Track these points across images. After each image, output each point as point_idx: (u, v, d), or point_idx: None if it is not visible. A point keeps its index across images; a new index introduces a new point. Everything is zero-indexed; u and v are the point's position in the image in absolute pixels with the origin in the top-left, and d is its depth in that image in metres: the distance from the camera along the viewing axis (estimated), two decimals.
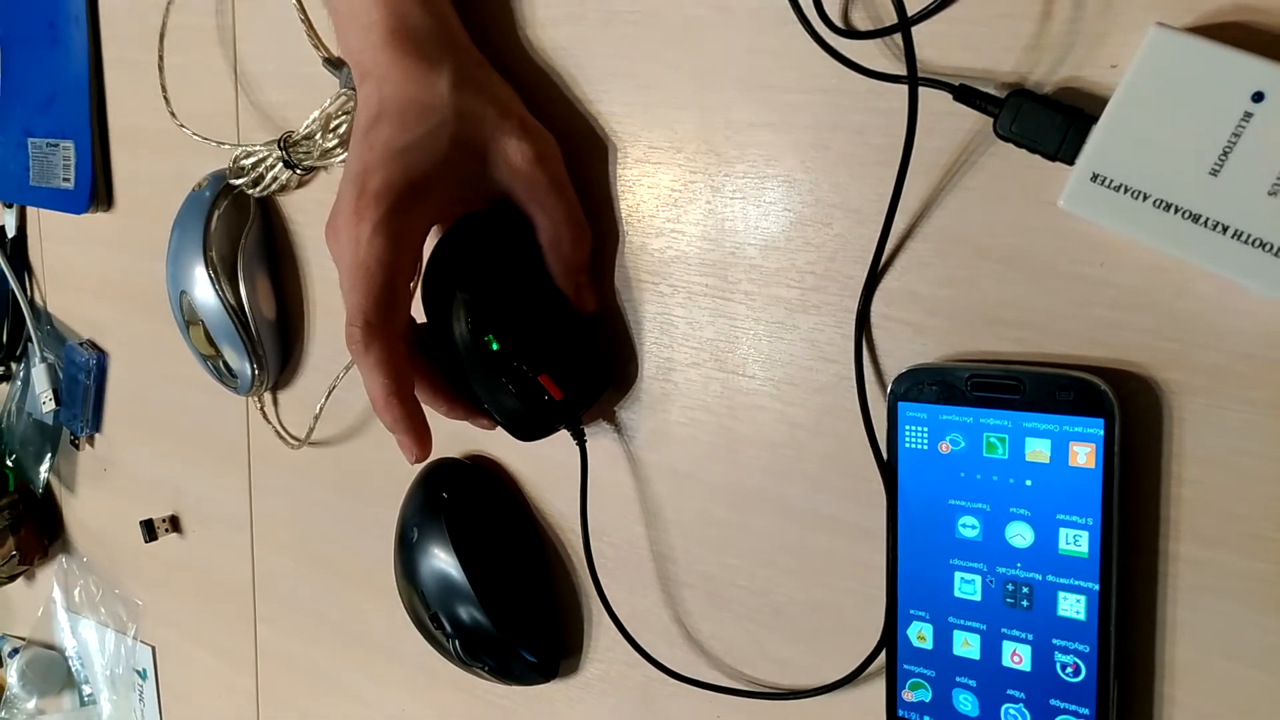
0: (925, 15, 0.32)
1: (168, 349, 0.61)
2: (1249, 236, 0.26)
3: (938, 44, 0.32)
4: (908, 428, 0.34)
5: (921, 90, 0.32)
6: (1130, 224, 0.28)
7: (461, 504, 0.45)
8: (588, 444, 0.41)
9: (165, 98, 0.55)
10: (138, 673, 0.70)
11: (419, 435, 0.39)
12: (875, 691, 0.36)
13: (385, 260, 0.36)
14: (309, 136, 0.49)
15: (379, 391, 0.37)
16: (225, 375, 0.54)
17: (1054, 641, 0.32)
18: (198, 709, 0.67)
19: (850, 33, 0.33)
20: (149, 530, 0.63)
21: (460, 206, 0.39)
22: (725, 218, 0.37)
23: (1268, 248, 0.26)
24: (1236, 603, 0.30)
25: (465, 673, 0.48)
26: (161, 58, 0.55)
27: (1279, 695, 0.29)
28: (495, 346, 0.39)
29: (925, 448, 0.33)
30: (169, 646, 0.68)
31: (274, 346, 0.53)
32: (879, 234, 0.33)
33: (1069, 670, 0.32)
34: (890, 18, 0.32)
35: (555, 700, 0.46)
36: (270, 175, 0.51)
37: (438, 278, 0.41)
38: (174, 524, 0.64)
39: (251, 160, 0.51)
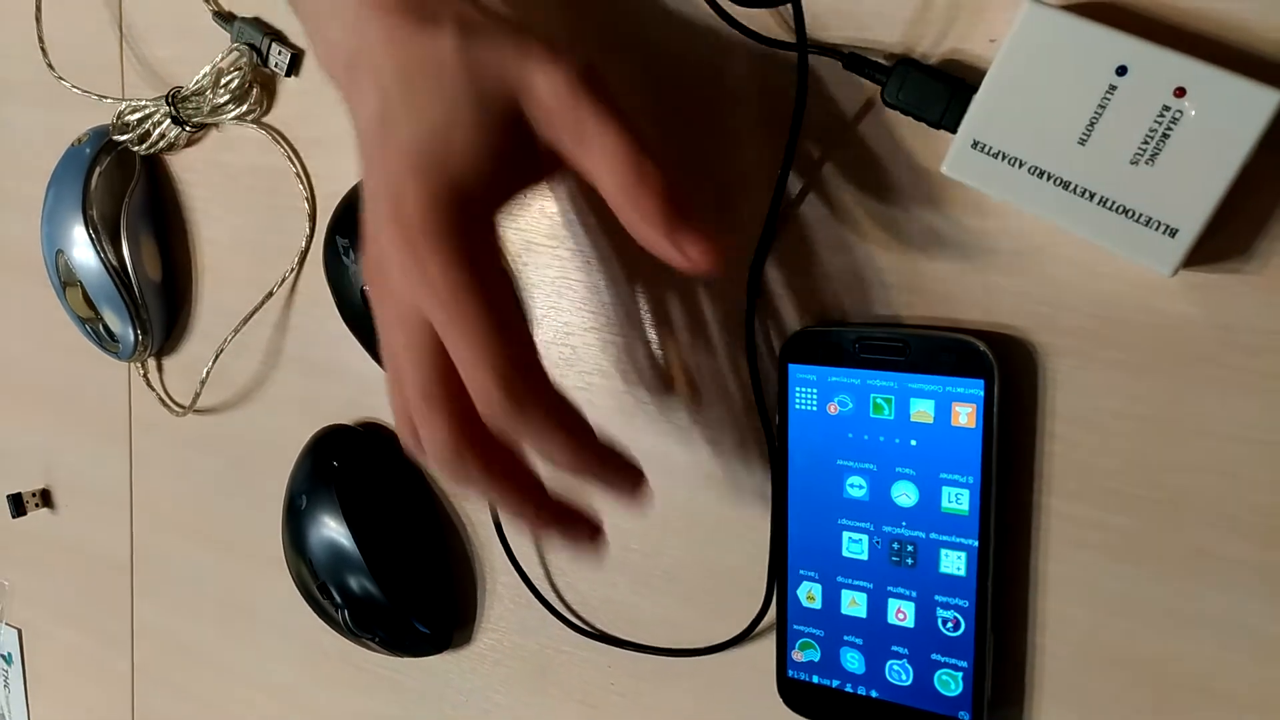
0: None
1: (39, 312, 0.58)
2: (1113, 203, 0.28)
3: (828, 14, 0.33)
4: (797, 389, 0.35)
5: (812, 59, 0.32)
6: (1008, 190, 0.29)
7: (352, 472, 0.45)
8: None
9: (42, 48, 0.53)
10: (2, 657, 0.67)
11: (634, 471, 0.31)
12: (767, 651, 0.37)
13: (478, 291, 0.27)
14: (199, 92, 0.47)
15: (570, 449, 0.29)
16: (106, 339, 0.52)
17: (936, 598, 0.33)
18: (69, 694, 0.64)
19: (745, 1, 0.34)
20: (16, 505, 0.59)
21: (521, 180, 0.31)
22: None
23: (1130, 214, 0.28)
24: (1101, 555, 0.31)
25: (355, 646, 0.47)
26: (39, 7, 0.53)
27: (1137, 642, 0.31)
28: None
29: (815, 409, 0.34)
30: (37, 628, 0.65)
31: (159, 310, 0.51)
32: (770, 200, 0.34)
33: (949, 625, 0.33)
34: None
35: (448, 671, 0.46)
36: (158, 132, 0.49)
37: (333, 252, 0.41)
38: (44, 498, 0.61)
39: (137, 116, 0.49)
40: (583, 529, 0.31)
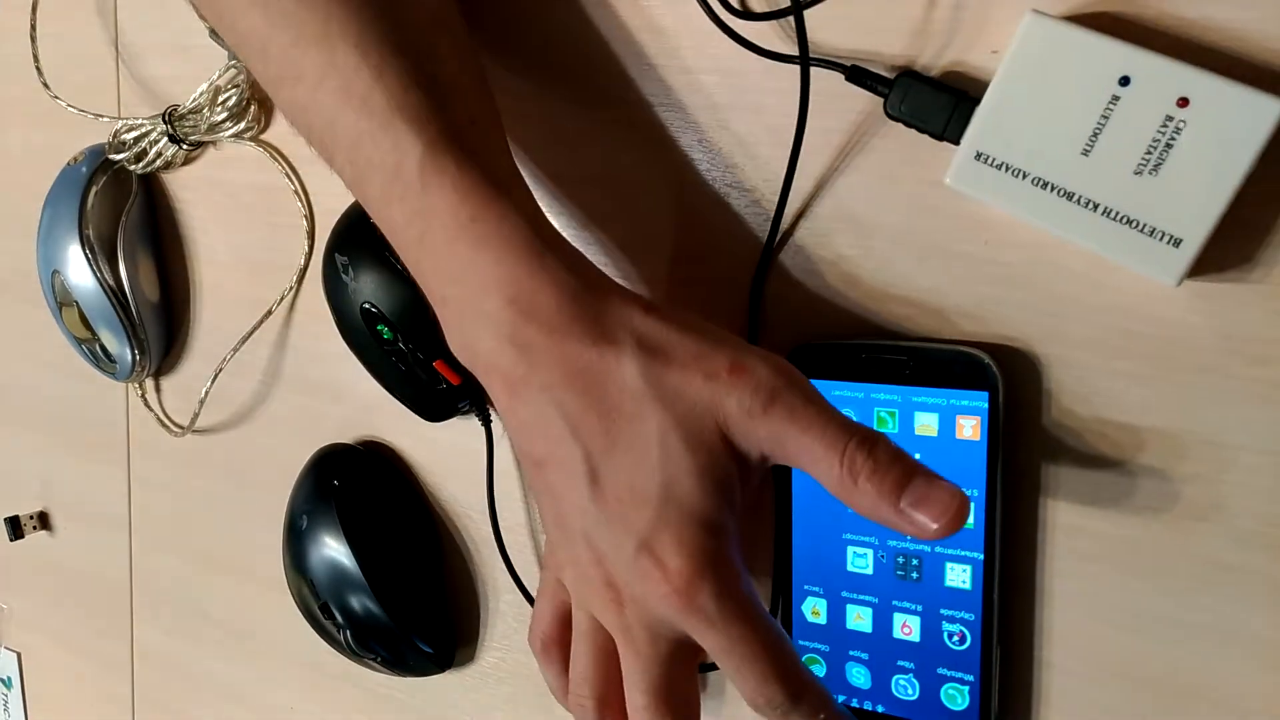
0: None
1: (36, 333, 0.57)
2: (1117, 213, 0.28)
3: (830, 27, 0.33)
4: None
5: (814, 71, 0.32)
6: (1011, 201, 0.29)
7: (353, 491, 0.44)
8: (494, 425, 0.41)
9: (38, 67, 0.52)
10: (2, 682, 0.66)
11: None
12: None
13: (748, 617, 0.28)
14: (196, 110, 0.47)
15: None
16: (103, 360, 0.52)
17: (941, 611, 0.33)
18: (69, 717, 0.63)
19: (746, 14, 0.34)
20: (14, 528, 0.59)
21: (746, 502, 0.30)
22: None
23: (1134, 224, 0.28)
24: (1107, 567, 0.31)
25: (357, 666, 0.47)
26: (34, 25, 0.53)
27: (1144, 654, 0.31)
28: (387, 335, 0.39)
29: None
30: (37, 653, 0.64)
31: (156, 330, 0.51)
32: (773, 213, 0.34)
33: (955, 639, 0.33)
34: (784, 0, 0.33)
35: (450, 690, 0.46)
36: (154, 150, 0.49)
37: (331, 270, 0.41)
38: (42, 520, 0.60)
39: (134, 135, 0.49)
40: None
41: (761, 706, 0.29)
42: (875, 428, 0.33)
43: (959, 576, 0.33)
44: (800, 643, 0.36)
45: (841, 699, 0.35)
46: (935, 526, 0.27)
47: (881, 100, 0.31)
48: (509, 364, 0.28)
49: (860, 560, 0.34)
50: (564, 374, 0.28)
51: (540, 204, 0.31)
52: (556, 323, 0.28)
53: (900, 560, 0.34)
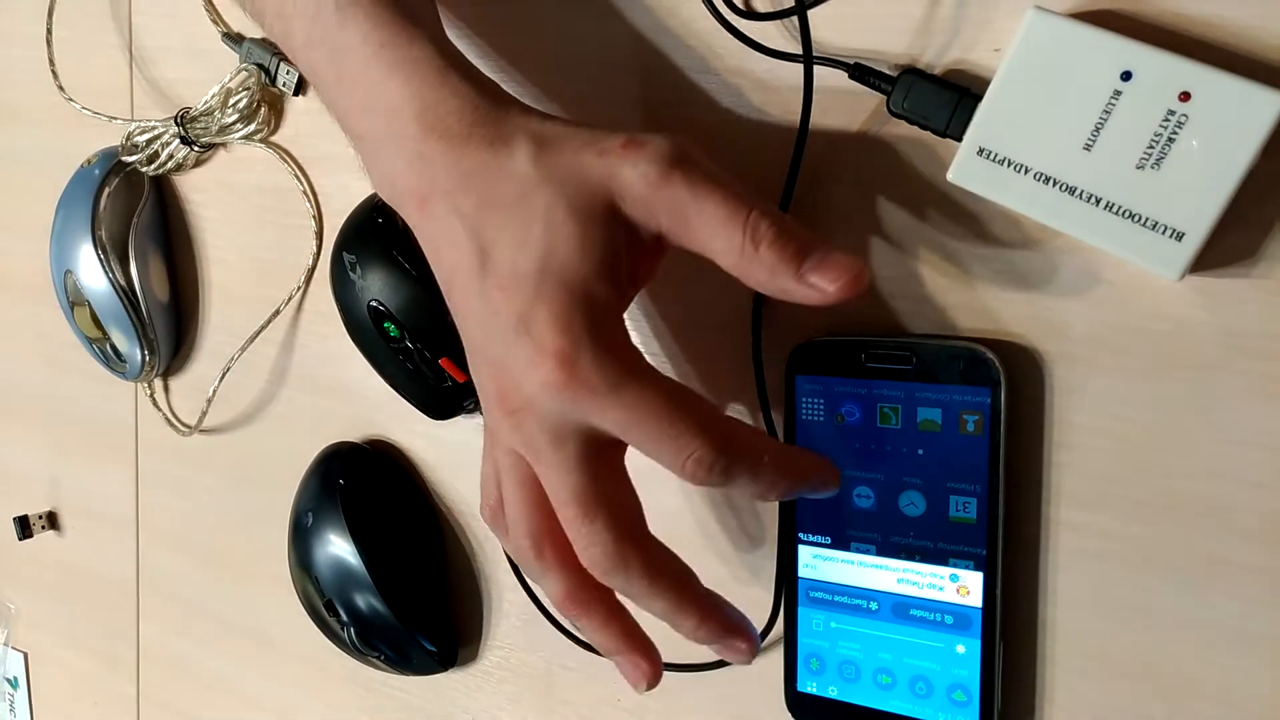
0: None
1: (46, 333, 0.58)
2: (1119, 208, 0.28)
3: (833, 26, 0.33)
4: (804, 400, 0.34)
5: (818, 70, 0.33)
6: (1013, 197, 0.29)
7: (358, 489, 0.44)
8: None
9: (53, 70, 0.53)
10: (8, 681, 0.66)
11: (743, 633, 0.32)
12: (774, 665, 0.37)
13: (644, 381, 0.27)
14: (208, 112, 0.47)
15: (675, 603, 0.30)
16: (113, 359, 0.52)
17: None
18: (74, 717, 0.63)
19: (750, 14, 0.34)
20: (23, 527, 0.59)
21: (637, 272, 0.30)
22: None
23: (1136, 218, 0.28)
24: (1111, 564, 0.31)
25: (361, 665, 0.47)
26: (50, 30, 0.53)
27: (1149, 652, 0.31)
28: (394, 333, 0.40)
29: (821, 419, 0.34)
30: (43, 652, 0.64)
31: (166, 330, 0.51)
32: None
33: None
34: (788, 0, 0.33)
35: (454, 689, 0.46)
36: (166, 152, 0.49)
37: (339, 268, 0.41)
38: (50, 520, 0.61)
39: (146, 137, 0.49)
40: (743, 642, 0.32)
41: (695, 472, 0.27)
42: (879, 424, 0.33)
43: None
44: (805, 640, 0.36)
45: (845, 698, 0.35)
46: (832, 289, 0.27)
47: (884, 98, 0.32)
48: (415, 180, 0.29)
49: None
50: (460, 177, 0.28)
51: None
52: (456, 131, 0.29)
53: (903, 556, 0.34)
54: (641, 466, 0.29)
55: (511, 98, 0.31)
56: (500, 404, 0.29)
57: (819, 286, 0.27)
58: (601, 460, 0.29)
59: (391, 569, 0.43)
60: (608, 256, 0.28)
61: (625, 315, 0.30)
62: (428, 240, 0.30)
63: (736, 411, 0.37)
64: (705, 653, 0.38)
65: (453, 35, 0.40)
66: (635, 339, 0.38)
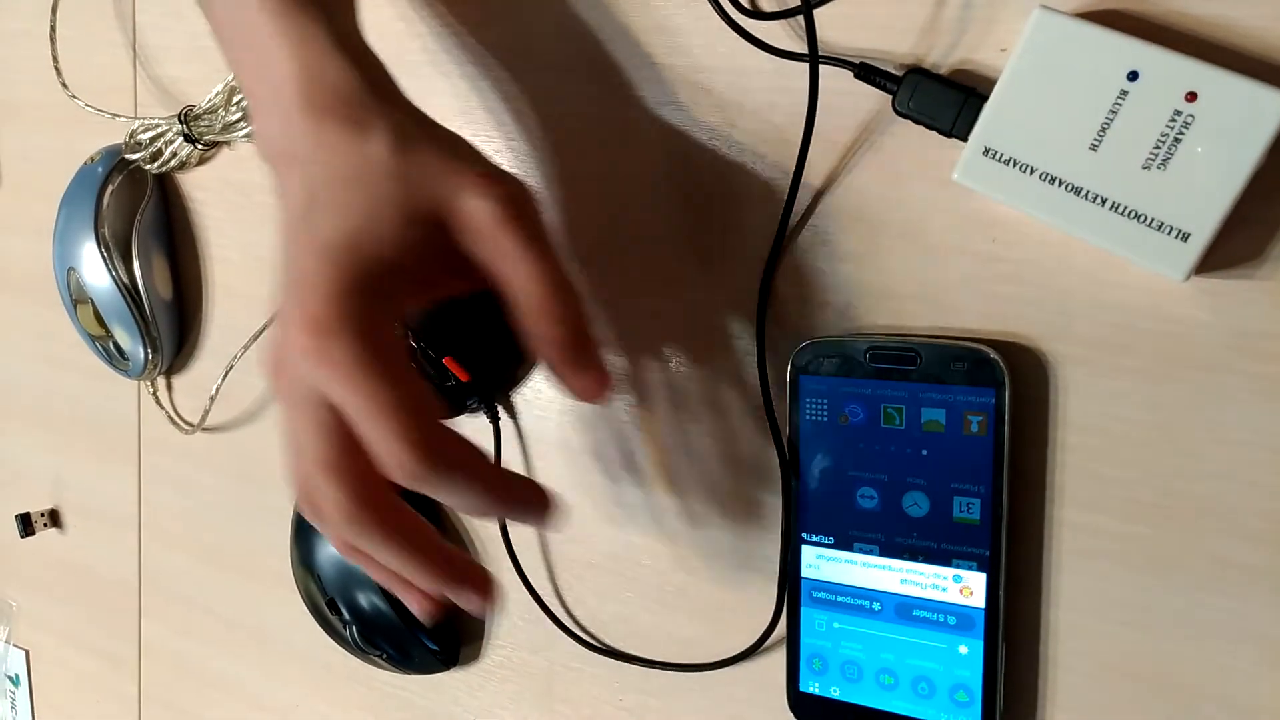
0: None
1: (49, 332, 0.58)
2: (1124, 208, 0.28)
3: (839, 26, 0.33)
4: (808, 400, 0.34)
5: (823, 69, 0.33)
6: (1019, 197, 0.29)
7: None
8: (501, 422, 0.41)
9: (57, 68, 0.53)
10: (10, 679, 0.66)
11: (541, 498, 0.32)
12: (777, 665, 0.37)
13: (379, 367, 0.28)
14: (211, 111, 0.47)
15: (481, 494, 0.30)
16: (116, 357, 0.52)
17: None
18: (76, 715, 0.63)
19: (756, 14, 0.34)
20: (25, 525, 0.59)
21: (429, 291, 0.33)
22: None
23: (1141, 219, 0.28)
24: (1114, 565, 0.31)
25: (363, 664, 0.47)
26: (54, 28, 0.53)
27: (1151, 652, 0.31)
28: (397, 332, 0.39)
29: (825, 419, 0.34)
30: (45, 650, 0.64)
31: (169, 328, 0.51)
32: (781, 210, 0.34)
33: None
34: (794, 0, 0.33)
35: (455, 688, 0.46)
36: (170, 150, 0.49)
37: None
38: (53, 518, 0.61)
39: (150, 134, 0.49)
40: (474, 591, 0.32)
41: (395, 473, 0.28)
42: (883, 424, 0.33)
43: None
44: (807, 640, 0.36)
45: (849, 694, 0.35)
46: (577, 392, 0.31)
47: (890, 98, 0.32)
48: (283, 144, 0.31)
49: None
50: (315, 147, 0.30)
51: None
52: (326, 106, 0.31)
53: (907, 557, 0.34)
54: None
55: (394, 89, 0.33)
56: (275, 362, 0.30)
57: (573, 383, 0.31)
58: (343, 427, 0.29)
59: None
60: (409, 260, 0.30)
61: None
62: (279, 196, 0.32)
63: (740, 411, 0.37)
64: (706, 653, 0.38)
65: (449, 34, 0.41)
66: (637, 342, 0.38)
